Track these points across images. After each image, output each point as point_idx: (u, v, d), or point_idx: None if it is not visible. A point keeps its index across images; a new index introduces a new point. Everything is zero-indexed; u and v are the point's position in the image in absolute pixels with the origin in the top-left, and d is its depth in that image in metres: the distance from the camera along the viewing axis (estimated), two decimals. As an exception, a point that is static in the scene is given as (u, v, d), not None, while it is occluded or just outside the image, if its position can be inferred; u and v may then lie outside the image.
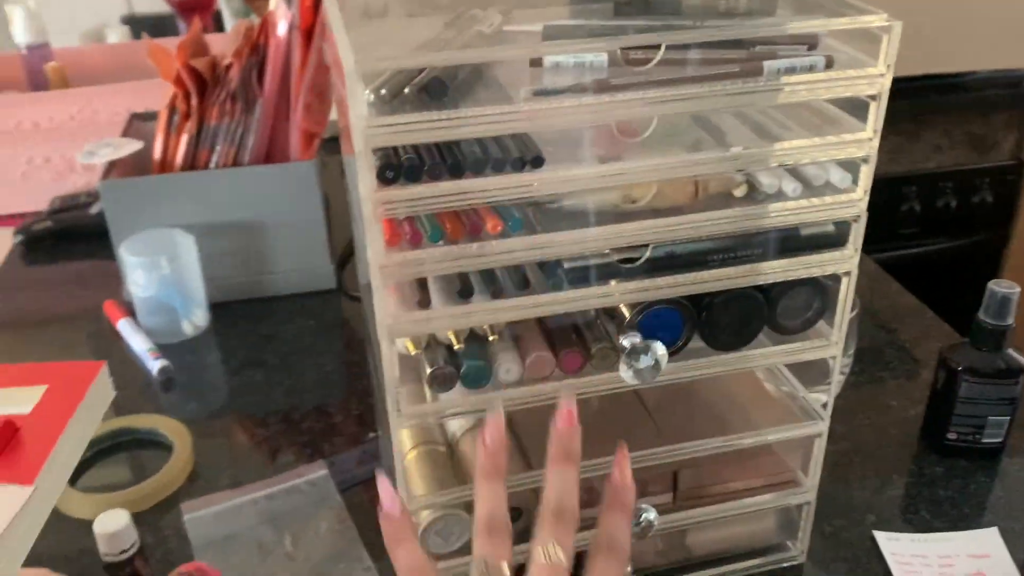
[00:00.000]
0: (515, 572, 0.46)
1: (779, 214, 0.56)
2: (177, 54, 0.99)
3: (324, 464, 0.81)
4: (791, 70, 0.53)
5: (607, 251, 0.55)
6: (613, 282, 0.56)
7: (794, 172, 0.58)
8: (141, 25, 1.82)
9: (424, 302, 0.55)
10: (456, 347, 0.58)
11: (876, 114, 0.54)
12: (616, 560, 0.45)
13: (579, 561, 0.45)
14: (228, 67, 1.00)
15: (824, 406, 0.65)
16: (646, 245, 0.56)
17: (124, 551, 0.65)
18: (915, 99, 1.70)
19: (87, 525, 0.66)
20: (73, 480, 0.80)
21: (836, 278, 0.60)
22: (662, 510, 0.64)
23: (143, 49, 1.06)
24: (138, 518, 0.72)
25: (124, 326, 1.00)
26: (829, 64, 0.53)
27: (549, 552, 0.43)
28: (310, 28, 1.00)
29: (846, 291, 0.60)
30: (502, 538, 0.44)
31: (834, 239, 0.59)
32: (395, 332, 0.54)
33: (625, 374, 0.57)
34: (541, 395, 0.59)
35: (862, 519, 0.75)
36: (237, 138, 1.02)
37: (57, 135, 1.25)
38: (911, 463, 0.81)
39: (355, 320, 1.05)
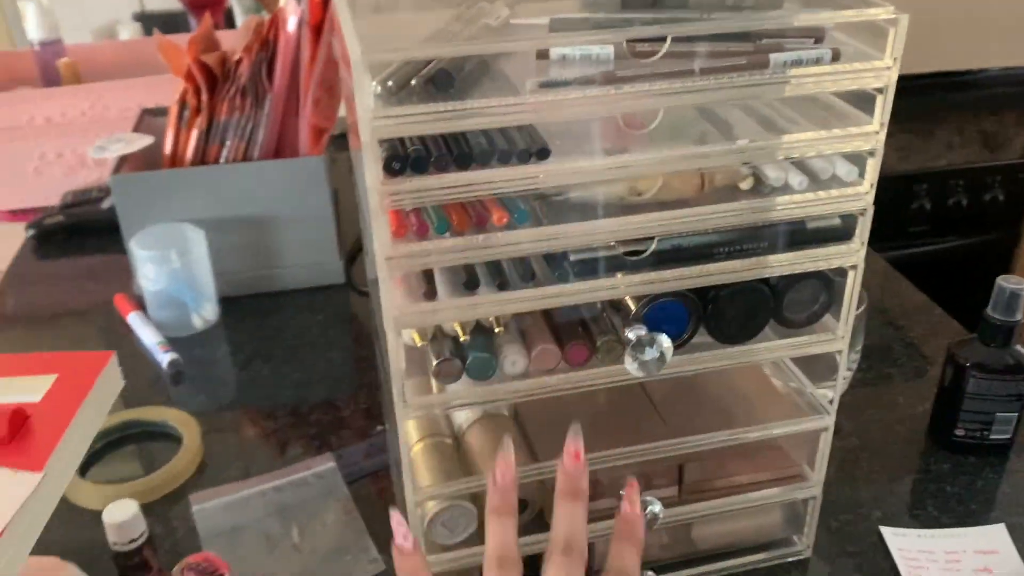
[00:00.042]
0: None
1: (785, 207, 0.56)
2: (188, 49, 1.00)
3: (332, 457, 0.82)
4: (797, 63, 0.52)
5: (613, 244, 0.55)
6: (619, 275, 0.56)
7: (800, 165, 0.58)
8: (153, 22, 1.83)
9: (430, 294, 0.55)
10: (462, 339, 0.58)
11: (883, 107, 0.54)
12: None
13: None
14: (238, 62, 1.01)
15: (831, 401, 0.65)
16: (652, 238, 0.56)
17: (133, 541, 0.66)
18: (926, 97, 1.70)
19: (97, 515, 0.67)
20: (83, 471, 0.81)
21: (842, 272, 0.60)
22: (668, 504, 0.64)
23: (154, 45, 1.07)
24: (147, 509, 0.73)
25: (134, 319, 1.01)
26: (835, 57, 0.53)
27: None
28: (319, 24, 1.00)
29: (852, 285, 0.60)
30: (512, 573, 0.45)
31: (840, 232, 0.59)
32: (401, 323, 0.54)
33: (630, 367, 0.57)
34: (547, 387, 0.59)
35: (868, 515, 0.75)
36: (247, 133, 1.03)
37: (69, 130, 1.26)
38: (918, 459, 0.81)
39: (363, 315, 1.06)
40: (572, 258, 0.55)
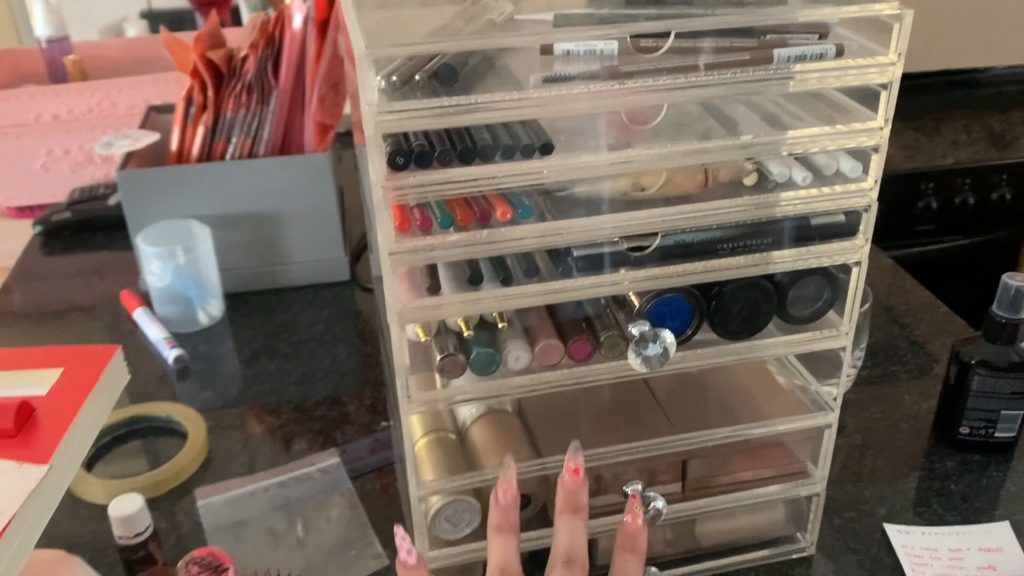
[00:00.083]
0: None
1: (789, 203, 0.56)
2: (194, 46, 1.00)
3: (336, 452, 0.82)
4: (801, 58, 0.52)
5: (617, 239, 0.56)
6: (622, 270, 0.56)
7: (804, 161, 0.58)
8: (159, 19, 1.84)
9: (434, 289, 0.55)
10: (466, 334, 0.58)
11: (887, 103, 0.54)
12: None
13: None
14: (244, 59, 1.01)
15: (835, 399, 0.65)
16: (655, 233, 0.56)
17: (138, 534, 0.66)
18: (933, 95, 1.69)
19: (103, 510, 0.67)
20: (89, 466, 0.82)
21: (846, 268, 0.60)
22: (671, 500, 0.64)
23: (161, 43, 1.07)
24: (153, 503, 0.73)
25: (140, 315, 1.01)
26: (839, 52, 0.53)
27: None
28: (325, 21, 1.00)
29: (856, 281, 0.60)
30: None
31: (844, 229, 0.59)
32: (405, 318, 0.54)
33: (634, 362, 0.57)
34: (550, 383, 0.59)
35: (873, 512, 0.75)
36: (253, 130, 1.03)
37: (76, 127, 1.26)
38: (923, 457, 0.81)
39: (368, 311, 1.06)
40: (576, 253, 0.55)
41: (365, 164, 0.53)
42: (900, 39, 0.52)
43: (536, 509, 0.65)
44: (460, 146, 0.50)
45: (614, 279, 0.56)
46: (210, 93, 1.01)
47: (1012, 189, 1.61)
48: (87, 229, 1.23)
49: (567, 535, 0.47)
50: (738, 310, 0.60)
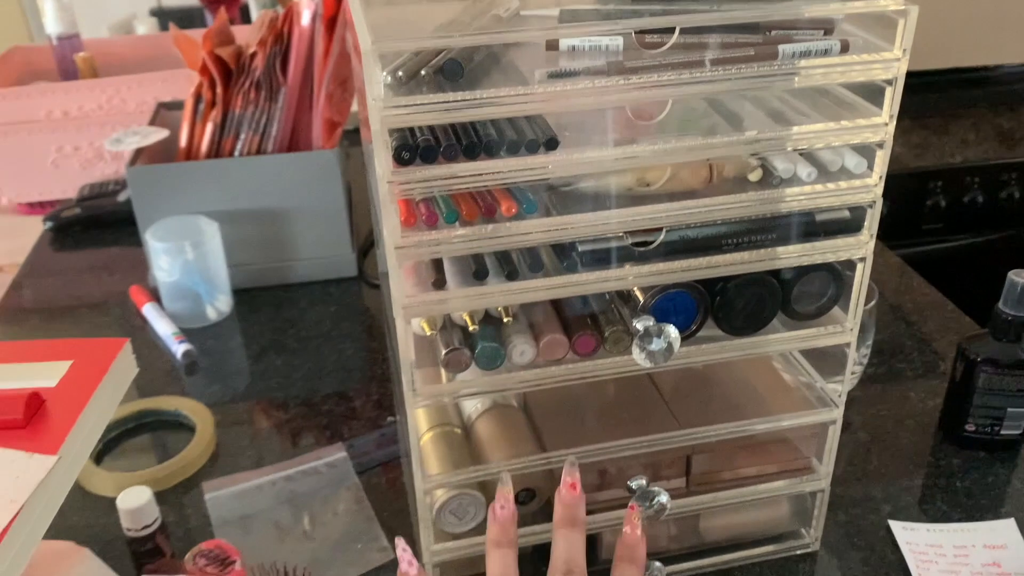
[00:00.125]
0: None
1: (794, 199, 0.57)
2: (203, 43, 1.01)
3: (343, 447, 0.83)
4: (806, 54, 0.53)
5: (621, 234, 0.56)
6: (627, 265, 0.57)
7: (809, 157, 0.58)
8: (169, 17, 1.84)
9: (439, 283, 0.55)
10: (471, 328, 0.58)
11: (892, 99, 0.54)
12: None
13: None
14: (252, 56, 1.02)
15: (840, 395, 0.65)
16: (660, 229, 0.56)
17: (146, 527, 0.67)
18: (942, 93, 1.68)
19: (111, 503, 0.68)
20: (98, 459, 0.82)
21: (851, 264, 0.60)
22: (675, 495, 0.64)
23: (170, 40, 1.08)
24: (161, 496, 0.74)
25: (149, 311, 1.02)
26: (844, 48, 0.53)
27: None
28: (333, 18, 1.01)
29: (861, 277, 0.60)
30: None
31: (849, 224, 0.59)
32: (411, 312, 0.55)
33: (638, 357, 0.58)
34: (555, 377, 0.59)
35: (878, 509, 0.75)
36: (261, 126, 1.03)
37: (86, 124, 1.27)
38: (929, 454, 0.81)
39: (375, 307, 1.06)
40: (580, 248, 0.56)
41: (372, 158, 0.54)
42: (905, 35, 0.52)
43: (541, 503, 0.65)
44: (465, 141, 0.51)
45: (618, 274, 0.57)
46: (219, 90, 1.02)
47: (1021, 188, 1.60)
48: (97, 225, 1.24)
49: (565, 547, 0.49)
50: (742, 306, 0.60)
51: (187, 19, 1.81)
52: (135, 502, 0.66)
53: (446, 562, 0.65)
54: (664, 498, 0.61)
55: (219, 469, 0.81)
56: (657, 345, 0.57)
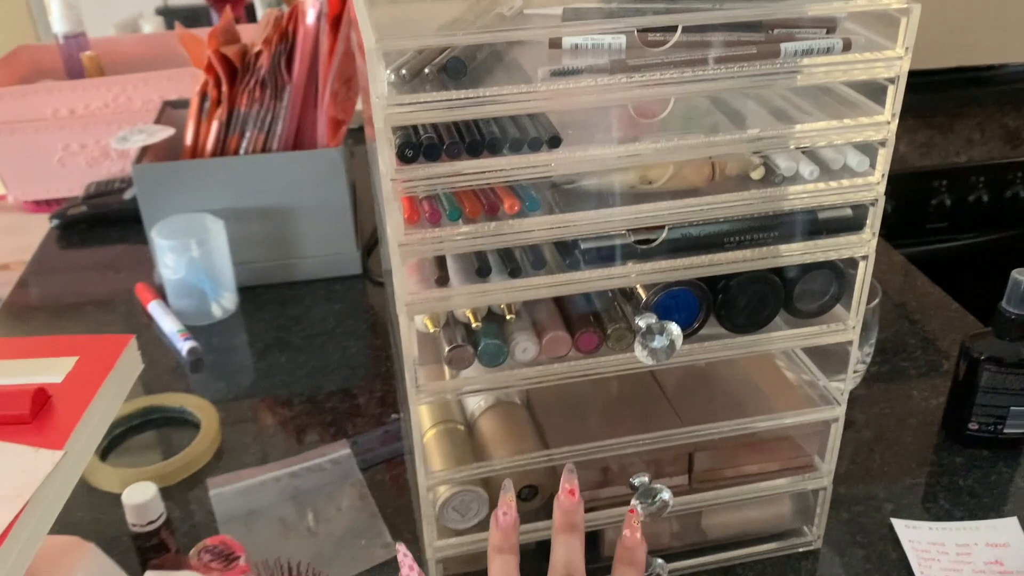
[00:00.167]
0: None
1: (796, 197, 0.57)
2: (208, 41, 1.01)
3: (347, 443, 0.83)
4: (809, 52, 0.53)
5: (624, 232, 0.56)
6: (630, 263, 0.57)
7: (812, 155, 0.58)
8: (175, 16, 1.85)
9: (442, 280, 0.56)
10: (474, 326, 0.59)
11: (894, 97, 0.54)
12: None
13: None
14: (258, 55, 1.02)
15: (842, 393, 0.65)
16: (663, 226, 0.56)
17: (151, 522, 0.67)
18: (947, 92, 1.68)
19: (117, 498, 0.68)
20: (104, 455, 0.83)
21: (853, 262, 0.60)
22: (677, 492, 0.65)
23: (176, 39, 1.08)
24: (166, 493, 0.74)
25: (155, 308, 1.03)
26: (847, 47, 0.53)
27: None
28: (338, 16, 1.01)
29: (863, 275, 0.60)
30: None
31: (852, 223, 0.59)
32: (414, 309, 0.55)
33: (640, 354, 0.58)
34: (557, 374, 0.59)
35: (880, 507, 0.75)
36: (266, 125, 1.04)
37: (92, 122, 1.27)
38: (932, 453, 0.81)
39: (379, 305, 1.07)
40: (583, 246, 0.56)
41: (375, 156, 0.54)
42: (907, 33, 0.52)
43: (543, 500, 0.66)
44: (469, 139, 0.51)
45: (621, 272, 0.57)
46: (224, 88, 1.02)
47: (1026, 187, 1.60)
48: (103, 223, 1.24)
49: (564, 552, 0.49)
50: (744, 303, 0.60)
51: (193, 18, 1.82)
52: (140, 498, 0.67)
53: (449, 558, 0.65)
54: (666, 495, 0.62)
55: (224, 465, 0.82)
56: (659, 343, 0.57)
